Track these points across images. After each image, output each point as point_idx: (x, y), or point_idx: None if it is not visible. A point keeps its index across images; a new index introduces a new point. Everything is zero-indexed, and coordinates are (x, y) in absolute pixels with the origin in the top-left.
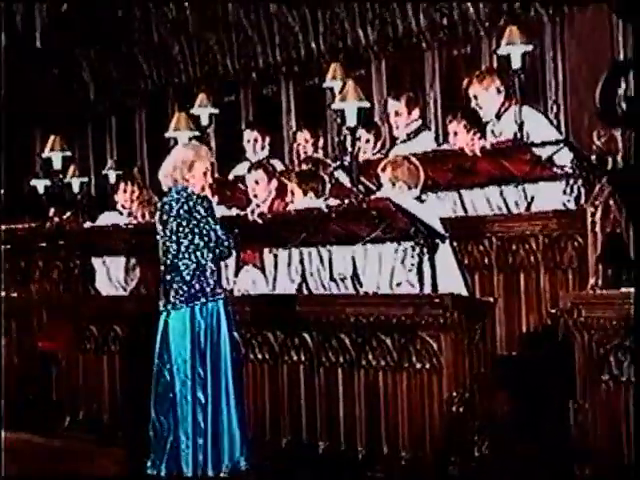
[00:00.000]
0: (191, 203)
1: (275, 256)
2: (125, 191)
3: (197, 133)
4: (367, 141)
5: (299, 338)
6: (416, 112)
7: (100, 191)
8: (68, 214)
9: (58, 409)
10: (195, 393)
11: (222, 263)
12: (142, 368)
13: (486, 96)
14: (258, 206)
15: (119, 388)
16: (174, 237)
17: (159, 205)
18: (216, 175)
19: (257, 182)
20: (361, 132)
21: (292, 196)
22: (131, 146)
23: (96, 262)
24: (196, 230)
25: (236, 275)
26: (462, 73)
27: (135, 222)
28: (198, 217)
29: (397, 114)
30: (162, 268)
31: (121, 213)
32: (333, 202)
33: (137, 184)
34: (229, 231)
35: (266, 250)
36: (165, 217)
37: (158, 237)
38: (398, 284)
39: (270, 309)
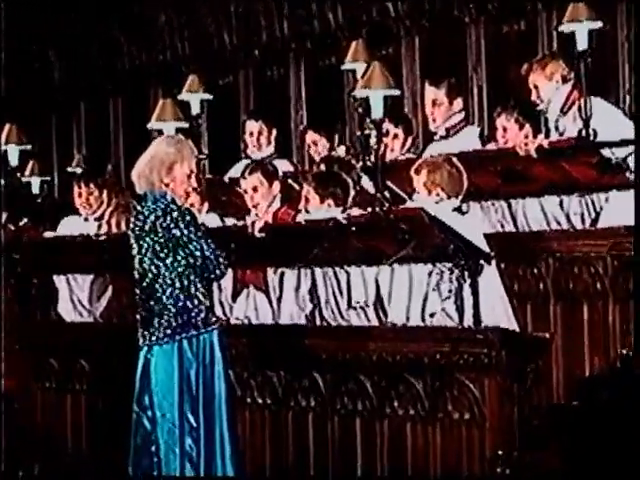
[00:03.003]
0: (169, 217)
1: (281, 277)
2: (80, 195)
3: (186, 124)
4: (395, 137)
5: (309, 379)
6: (458, 102)
7: (64, 193)
8: (25, 220)
9: (9, 460)
10: (184, 445)
11: (215, 285)
12: (114, 413)
13: (549, 86)
14: (258, 216)
15: (84, 437)
16: (151, 256)
17: (132, 216)
18: (208, 175)
19: (255, 189)
20: (388, 126)
21: (306, 203)
22: (104, 139)
23: (59, 281)
24: (178, 249)
25: (234, 300)
26: (514, 55)
27: (108, 232)
28: (178, 234)
29: (435, 104)
30: (138, 292)
31: (86, 219)
32: (354, 212)
33: (109, 186)
34: (220, 247)
35: (270, 270)
36: (139, 232)
37: (133, 254)
38: (432, 315)
39: (273, 342)
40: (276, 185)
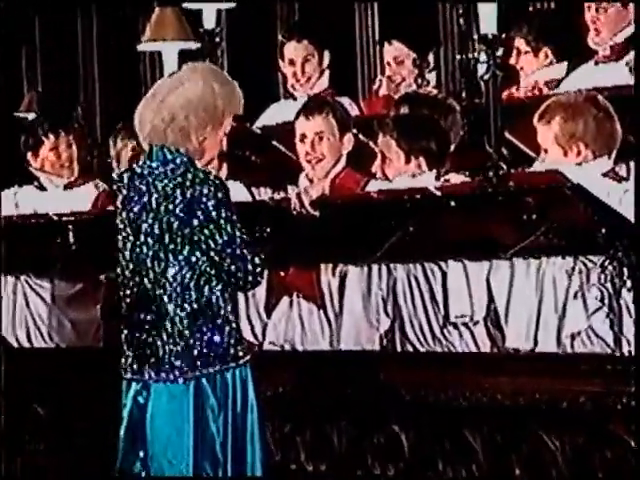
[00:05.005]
0: (192, 188)
1: (343, 279)
2: (55, 149)
3: (195, 44)
4: (520, 69)
5: (384, 434)
6: (626, 14)
7: (11, 149)
8: None
9: None
10: None
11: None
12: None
13: None
14: (312, 182)
15: None
16: (155, 247)
17: (125, 179)
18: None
19: (321, 137)
20: (519, 42)
21: (382, 163)
22: (70, 69)
23: (6, 284)
24: (198, 238)
25: (268, 315)
26: None
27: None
28: (202, 216)
29: (600, 9)
30: (129, 302)
31: (42, 188)
32: (454, 178)
33: (78, 137)
34: (248, 234)
35: (325, 268)
36: (135, 207)
37: (120, 241)
38: (573, 335)
39: (330, 378)
40: (348, 138)
